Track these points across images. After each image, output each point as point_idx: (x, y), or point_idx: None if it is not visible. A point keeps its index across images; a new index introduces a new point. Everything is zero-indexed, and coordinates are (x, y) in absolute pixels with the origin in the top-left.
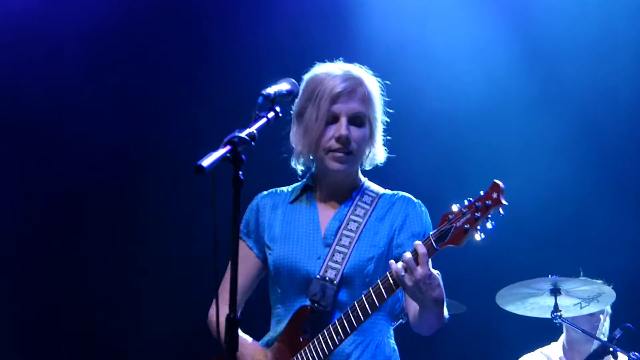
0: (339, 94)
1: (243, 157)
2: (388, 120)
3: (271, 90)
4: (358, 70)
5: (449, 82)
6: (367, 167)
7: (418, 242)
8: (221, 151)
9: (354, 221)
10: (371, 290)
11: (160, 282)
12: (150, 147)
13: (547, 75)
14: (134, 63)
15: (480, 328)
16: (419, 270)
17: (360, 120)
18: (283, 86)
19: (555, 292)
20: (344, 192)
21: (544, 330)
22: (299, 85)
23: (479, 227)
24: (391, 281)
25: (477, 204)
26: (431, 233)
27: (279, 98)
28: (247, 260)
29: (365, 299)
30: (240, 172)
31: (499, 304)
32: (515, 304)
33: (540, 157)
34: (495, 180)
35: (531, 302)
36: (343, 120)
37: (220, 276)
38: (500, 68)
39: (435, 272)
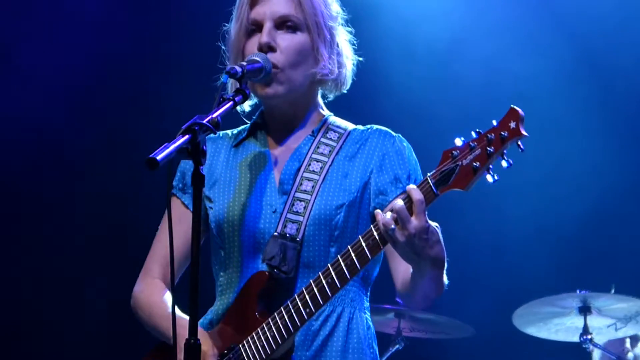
0: None
1: (204, 148)
2: (351, 30)
3: (238, 66)
4: None
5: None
6: (330, 94)
7: (412, 186)
8: (178, 141)
9: (317, 161)
10: (350, 250)
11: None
12: (85, 133)
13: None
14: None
15: (492, 356)
16: (414, 222)
17: (293, 25)
18: (253, 61)
19: (585, 310)
20: (302, 128)
21: (571, 358)
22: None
23: (491, 166)
24: (377, 237)
25: (489, 135)
26: (429, 174)
27: (248, 76)
28: (183, 221)
29: (343, 261)
30: (202, 167)
31: (516, 326)
32: (537, 326)
33: (567, 148)
34: (513, 106)
35: (556, 323)
36: (266, 26)
37: (177, 275)
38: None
39: (434, 224)
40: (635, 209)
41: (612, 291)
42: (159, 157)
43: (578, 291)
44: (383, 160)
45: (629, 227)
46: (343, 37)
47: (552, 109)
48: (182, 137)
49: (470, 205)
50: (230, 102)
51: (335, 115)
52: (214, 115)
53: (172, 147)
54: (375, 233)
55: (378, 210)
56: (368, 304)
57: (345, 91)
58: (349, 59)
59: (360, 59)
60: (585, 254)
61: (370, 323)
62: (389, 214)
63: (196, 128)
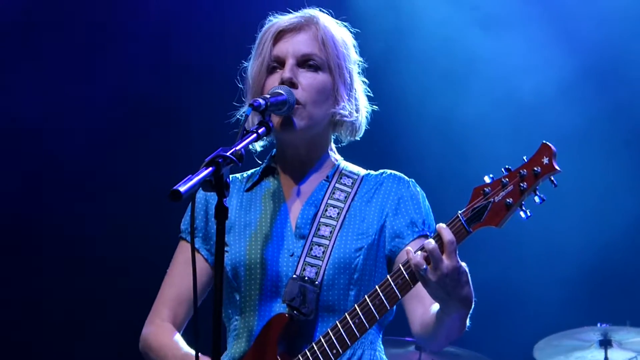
0: (283, 32)
1: (228, 180)
2: (366, 81)
3: (261, 99)
4: (316, 12)
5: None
6: (344, 139)
7: (442, 225)
8: (202, 174)
9: (334, 206)
10: (378, 290)
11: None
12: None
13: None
14: None
15: None
16: (446, 262)
17: (315, 64)
18: (276, 94)
19: (606, 343)
20: (316, 172)
21: None
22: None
23: (523, 202)
24: (407, 276)
25: (522, 171)
26: (460, 212)
27: (271, 109)
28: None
29: (371, 301)
30: (225, 199)
31: (537, 358)
32: (558, 359)
33: (586, 180)
34: (545, 142)
35: (577, 357)
36: (288, 63)
37: (202, 310)
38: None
39: (463, 264)
40: None
41: (628, 324)
42: (182, 189)
43: (599, 324)
44: (398, 204)
45: None
46: (359, 86)
47: (573, 143)
48: (206, 169)
49: (491, 240)
50: (254, 135)
51: (355, 153)
52: (238, 147)
53: (196, 179)
54: (405, 272)
55: (409, 249)
56: (382, 346)
57: (358, 138)
58: (364, 108)
59: (376, 107)
60: (607, 287)
61: None
62: (419, 253)
63: (219, 160)
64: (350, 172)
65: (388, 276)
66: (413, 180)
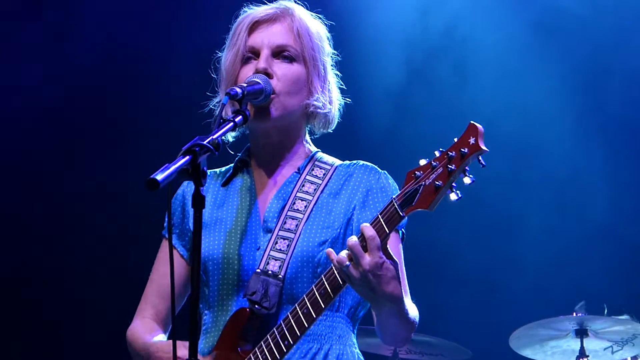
0: (258, 23)
1: (205, 169)
2: (339, 74)
3: (238, 87)
4: (291, 4)
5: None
6: (317, 130)
7: (365, 224)
8: (179, 162)
9: (302, 199)
10: (314, 289)
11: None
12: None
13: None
14: None
15: None
16: (367, 258)
17: (289, 55)
18: (253, 82)
19: (582, 333)
20: (288, 164)
21: None
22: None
23: (454, 184)
24: (336, 275)
25: (450, 153)
26: (394, 196)
27: (247, 98)
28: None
29: (317, 290)
30: (202, 188)
31: (513, 348)
32: (533, 348)
33: (563, 168)
34: (472, 122)
35: (552, 346)
36: (263, 53)
37: (179, 303)
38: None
39: (391, 260)
40: (635, 231)
41: (605, 311)
42: (159, 178)
43: (575, 314)
44: (366, 197)
45: (627, 249)
46: (333, 78)
47: (552, 127)
48: (183, 157)
49: (467, 228)
50: (231, 124)
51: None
52: (215, 136)
53: (173, 167)
54: (335, 272)
55: (330, 249)
56: (356, 340)
57: (331, 130)
58: (337, 100)
59: (348, 100)
60: (583, 276)
61: (362, 357)
62: (344, 252)
63: (197, 149)
64: (324, 162)
65: (322, 275)
66: (385, 172)
